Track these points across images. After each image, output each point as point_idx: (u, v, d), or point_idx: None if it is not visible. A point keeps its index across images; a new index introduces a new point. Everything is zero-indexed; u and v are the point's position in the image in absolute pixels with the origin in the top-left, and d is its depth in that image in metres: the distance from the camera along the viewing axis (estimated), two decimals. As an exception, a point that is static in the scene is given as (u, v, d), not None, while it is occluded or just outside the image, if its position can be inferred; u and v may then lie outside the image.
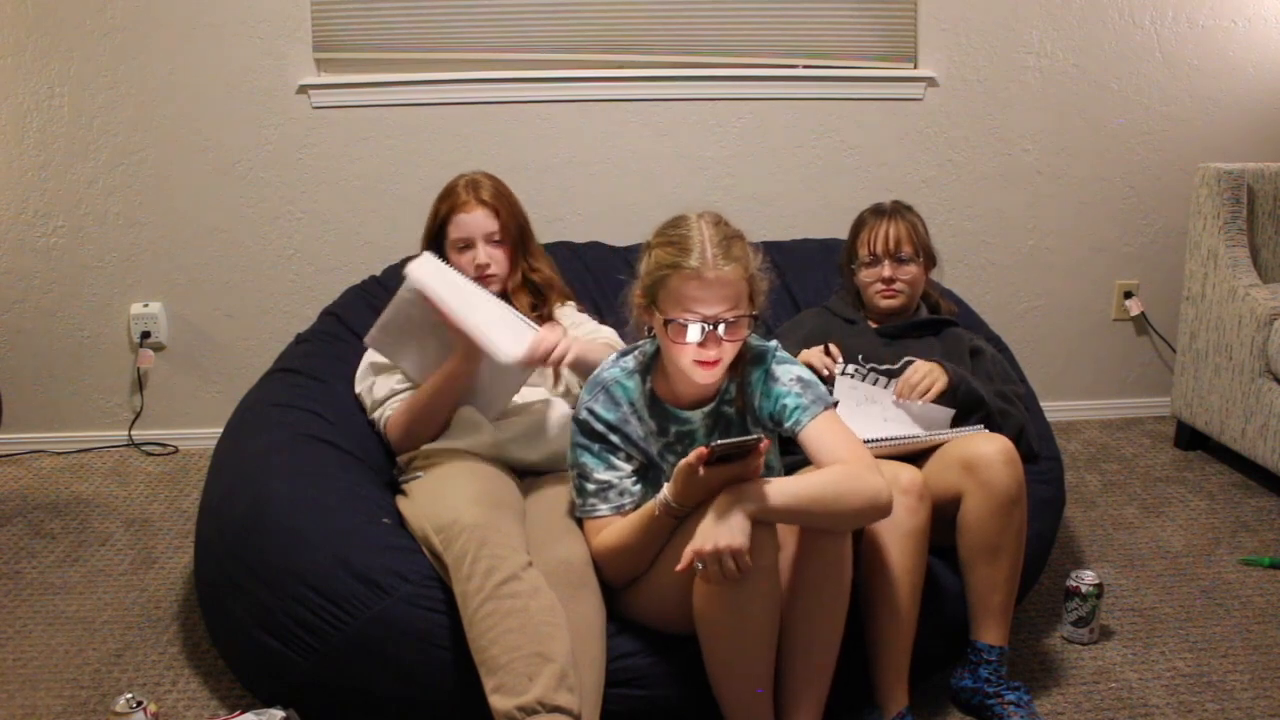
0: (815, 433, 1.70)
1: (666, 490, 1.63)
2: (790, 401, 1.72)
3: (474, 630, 1.63)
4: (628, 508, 1.76)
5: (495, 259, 2.16)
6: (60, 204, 3.02)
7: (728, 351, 1.68)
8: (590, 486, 1.76)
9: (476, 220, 2.15)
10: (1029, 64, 3.12)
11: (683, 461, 1.57)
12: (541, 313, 2.21)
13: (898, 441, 1.97)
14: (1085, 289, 3.32)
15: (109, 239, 3.05)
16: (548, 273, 2.28)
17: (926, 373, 2.04)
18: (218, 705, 1.92)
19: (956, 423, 2.04)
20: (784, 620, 1.66)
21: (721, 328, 1.65)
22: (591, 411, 1.76)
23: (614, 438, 1.75)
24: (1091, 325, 3.35)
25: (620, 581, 1.77)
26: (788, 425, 1.73)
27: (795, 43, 3.09)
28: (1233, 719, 1.88)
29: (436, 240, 2.19)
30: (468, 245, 2.15)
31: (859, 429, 1.78)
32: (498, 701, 1.57)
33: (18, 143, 2.98)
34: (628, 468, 1.77)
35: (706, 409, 1.79)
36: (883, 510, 1.63)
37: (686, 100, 3.07)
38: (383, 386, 2.14)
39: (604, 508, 1.76)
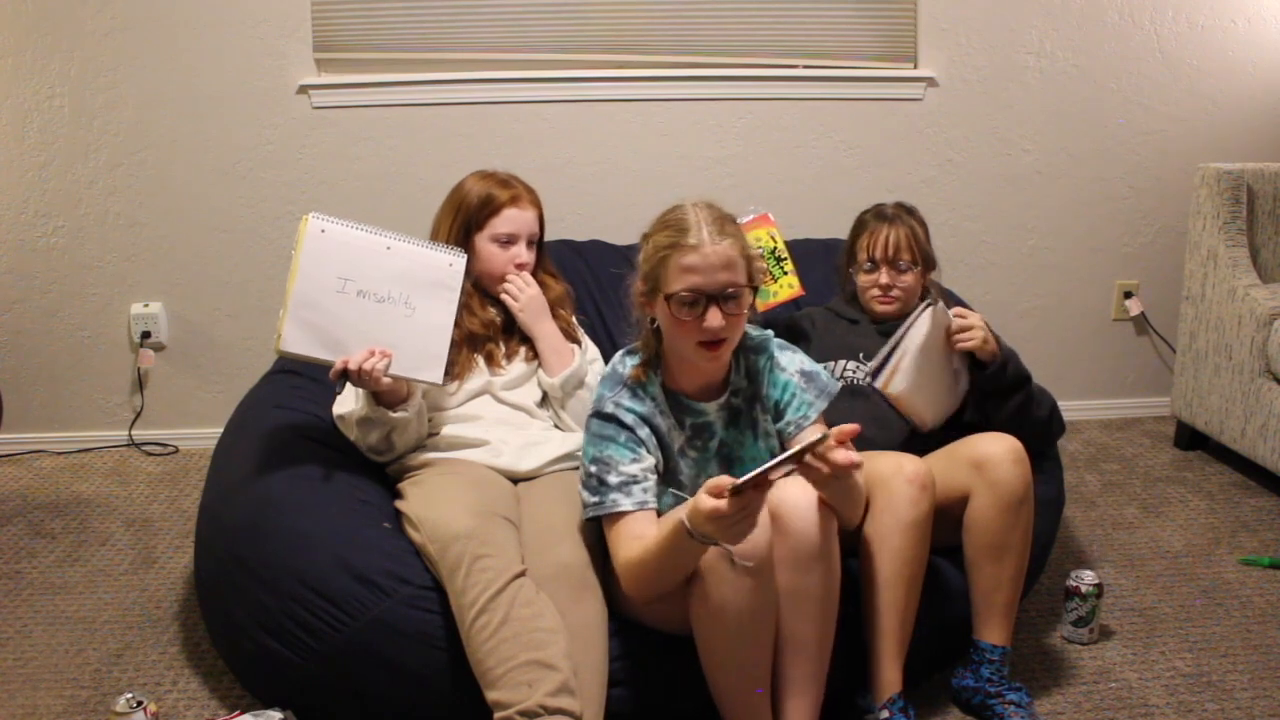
0: (816, 430, 1.79)
1: (687, 517, 1.48)
2: (797, 394, 1.82)
3: (471, 643, 1.63)
4: (650, 505, 1.69)
5: (531, 262, 2.15)
6: (60, 204, 3.02)
7: (732, 329, 1.69)
8: (613, 480, 1.68)
9: (528, 218, 2.14)
10: (1029, 64, 3.12)
11: (706, 504, 1.42)
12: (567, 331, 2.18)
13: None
14: (1085, 289, 3.32)
15: (109, 239, 3.06)
16: (558, 288, 2.24)
17: (980, 326, 2.02)
18: (218, 705, 1.92)
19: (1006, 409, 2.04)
20: (778, 620, 1.66)
21: (722, 304, 1.66)
22: (619, 404, 1.74)
23: (643, 430, 1.74)
24: (1091, 325, 3.35)
25: (646, 599, 1.67)
26: (791, 416, 1.82)
27: (795, 43, 3.09)
28: (1232, 719, 1.88)
29: (466, 228, 2.13)
30: (511, 240, 2.13)
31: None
32: (499, 711, 1.57)
33: (18, 143, 2.98)
34: (651, 460, 1.73)
35: (720, 400, 1.81)
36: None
37: (687, 100, 3.07)
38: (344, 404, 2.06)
39: (627, 503, 1.67)
